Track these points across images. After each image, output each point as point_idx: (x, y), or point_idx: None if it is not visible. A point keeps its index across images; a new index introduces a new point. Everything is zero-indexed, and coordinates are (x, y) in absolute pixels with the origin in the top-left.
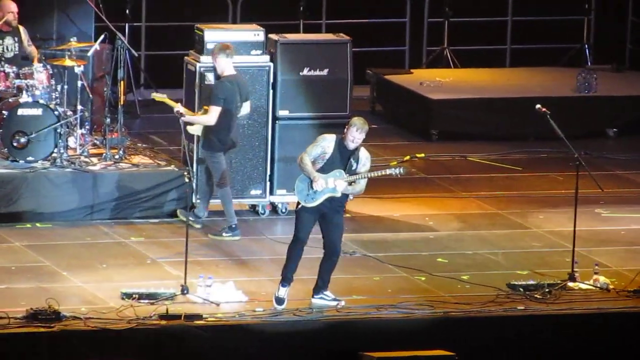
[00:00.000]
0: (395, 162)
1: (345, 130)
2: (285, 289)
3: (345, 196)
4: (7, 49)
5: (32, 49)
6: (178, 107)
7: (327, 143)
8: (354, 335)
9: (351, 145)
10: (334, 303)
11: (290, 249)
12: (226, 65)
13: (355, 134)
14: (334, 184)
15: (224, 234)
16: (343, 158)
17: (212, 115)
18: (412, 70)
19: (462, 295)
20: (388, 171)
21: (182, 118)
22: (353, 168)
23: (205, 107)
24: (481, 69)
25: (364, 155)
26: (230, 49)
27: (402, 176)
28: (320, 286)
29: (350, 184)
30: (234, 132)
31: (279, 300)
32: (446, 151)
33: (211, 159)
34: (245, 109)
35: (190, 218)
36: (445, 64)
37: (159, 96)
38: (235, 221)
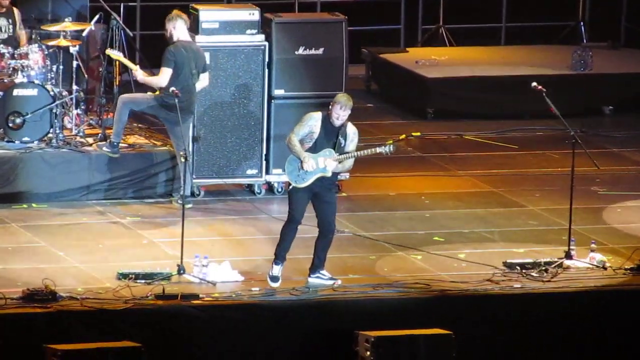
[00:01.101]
0: (391, 141)
1: (330, 107)
2: (279, 267)
3: (336, 174)
4: (1, 30)
5: (22, 33)
6: (137, 68)
7: (313, 122)
8: (350, 314)
9: (337, 123)
10: (331, 282)
11: (284, 228)
12: (181, 32)
13: (340, 111)
14: (324, 163)
15: (104, 148)
16: (330, 135)
17: (163, 76)
18: (407, 49)
19: (458, 274)
20: (378, 149)
21: (137, 78)
22: (342, 145)
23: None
24: (477, 47)
25: (352, 130)
26: (187, 18)
27: (392, 154)
28: (316, 265)
29: (340, 162)
30: (188, 98)
31: (274, 278)
32: (442, 130)
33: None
34: (204, 81)
35: (105, 148)
36: (441, 43)
37: (114, 54)
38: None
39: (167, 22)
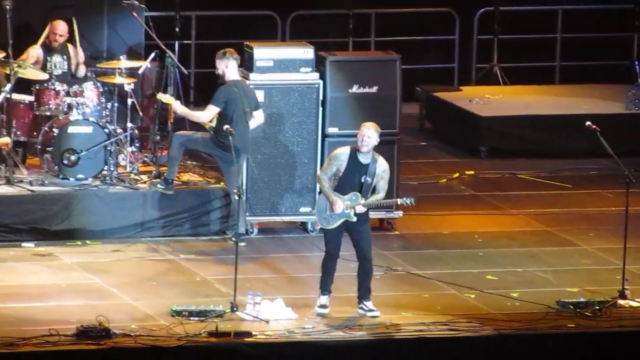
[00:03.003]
0: (444, 180)
1: (358, 135)
2: (326, 297)
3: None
4: (56, 67)
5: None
6: (175, 101)
7: (340, 160)
8: (403, 352)
9: (364, 149)
10: (370, 314)
11: (323, 263)
12: (233, 71)
13: (366, 131)
14: (350, 209)
15: (158, 186)
16: (356, 173)
17: (207, 113)
18: (461, 88)
19: (512, 313)
20: (399, 201)
21: (176, 111)
22: (369, 183)
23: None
24: (530, 86)
25: (381, 168)
26: (238, 56)
27: (412, 206)
28: (360, 296)
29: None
30: (242, 137)
31: (322, 307)
32: (495, 168)
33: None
34: (259, 118)
35: (159, 186)
36: (495, 81)
37: (166, 98)
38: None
39: (219, 60)
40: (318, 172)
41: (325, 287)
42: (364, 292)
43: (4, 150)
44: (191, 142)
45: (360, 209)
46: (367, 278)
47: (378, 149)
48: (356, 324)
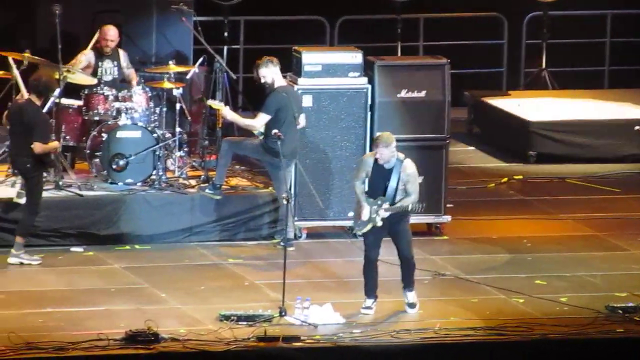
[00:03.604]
0: (493, 184)
1: (374, 148)
2: (371, 300)
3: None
4: (106, 72)
5: (130, 72)
6: (224, 107)
7: (366, 165)
8: (451, 357)
9: (381, 161)
10: (407, 308)
11: (364, 268)
12: (279, 77)
13: (383, 150)
14: (375, 214)
15: (207, 190)
16: (380, 178)
17: (258, 121)
18: (509, 92)
19: (560, 318)
20: (410, 206)
21: (226, 117)
22: (393, 187)
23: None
24: (579, 90)
25: (406, 172)
26: (277, 60)
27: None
28: (403, 287)
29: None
30: (292, 143)
31: (366, 308)
32: (544, 173)
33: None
34: (302, 122)
35: (208, 190)
36: (543, 86)
37: (216, 104)
38: (222, 182)
39: (265, 69)
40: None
41: (368, 291)
42: (406, 282)
43: (52, 155)
44: (240, 147)
45: (383, 214)
46: (408, 275)
47: (427, 153)
48: (404, 328)
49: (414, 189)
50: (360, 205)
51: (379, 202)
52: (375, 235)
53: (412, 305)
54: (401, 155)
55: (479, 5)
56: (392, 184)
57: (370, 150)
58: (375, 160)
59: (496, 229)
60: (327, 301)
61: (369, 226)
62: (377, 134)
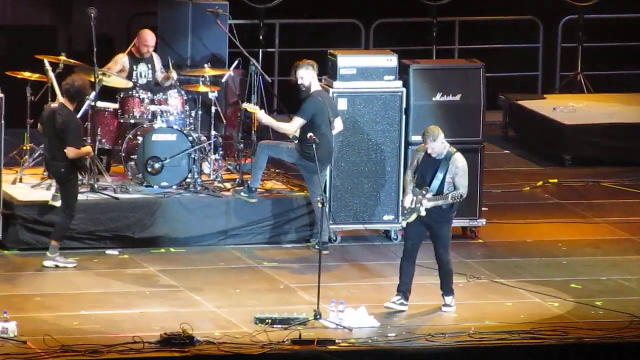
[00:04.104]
0: (528, 188)
1: (423, 142)
2: (398, 296)
3: (447, 208)
4: (141, 75)
5: (164, 76)
6: (259, 111)
7: (418, 154)
8: None
9: (433, 154)
10: (444, 308)
11: (400, 262)
12: (316, 81)
13: (431, 144)
14: (419, 203)
15: (242, 194)
16: (429, 168)
17: (293, 125)
18: (545, 96)
19: (595, 322)
20: (449, 201)
21: (262, 120)
22: (439, 179)
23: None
24: (614, 94)
25: (454, 165)
26: (316, 65)
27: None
28: (442, 291)
29: (433, 201)
30: (327, 147)
31: (393, 302)
32: (579, 176)
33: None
34: (339, 125)
35: (243, 194)
36: (579, 89)
37: (251, 107)
38: (257, 185)
39: (305, 71)
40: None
41: (399, 286)
42: (444, 288)
43: (87, 159)
44: (276, 151)
45: (426, 204)
46: (445, 278)
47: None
48: (439, 332)
49: (462, 184)
50: (405, 193)
51: (424, 192)
52: (416, 228)
53: (447, 306)
54: (453, 149)
55: (514, 9)
56: (439, 174)
57: (406, 151)
58: (427, 151)
59: (531, 233)
60: (362, 304)
61: (414, 216)
62: (425, 128)
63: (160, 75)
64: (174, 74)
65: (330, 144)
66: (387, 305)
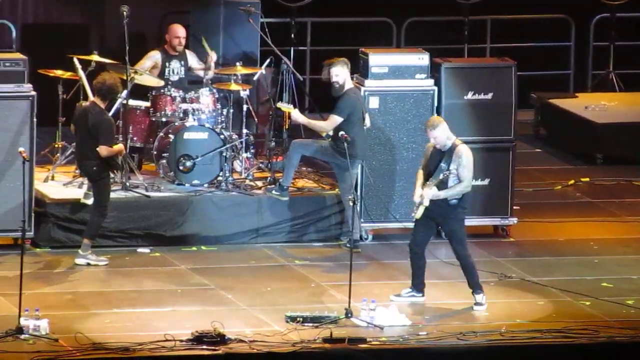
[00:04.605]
0: (559, 187)
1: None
2: (407, 290)
3: (455, 203)
4: (173, 72)
5: (203, 67)
6: (294, 110)
7: (427, 151)
8: (518, 359)
9: (437, 146)
10: (475, 307)
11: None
12: (348, 78)
13: (431, 133)
14: (423, 195)
15: (273, 192)
16: (434, 160)
17: (330, 123)
18: (577, 94)
19: (627, 320)
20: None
21: (298, 120)
22: (443, 170)
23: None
24: None
25: (457, 154)
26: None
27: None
28: (472, 293)
29: (439, 189)
30: (362, 145)
31: (397, 295)
32: (611, 175)
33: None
34: (367, 122)
35: (275, 192)
36: (611, 88)
37: (285, 107)
38: (289, 184)
39: (340, 68)
40: None
41: (412, 281)
42: (472, 286)
43: (119, 157)
44: (308, 149)
45: (427, 193)
46: (468, 274)
47: (493, 155)
48: (470, 330)
49: (465, 176)
50: (415, 189)
51: (428, 183)
52: (424, 222)
53: (478, 304)
54: (458, 141)
55: (546, 7)
56: (442, 164)
57: None
58: (435, 146)
59: (563, 231)
60: (393, 303)
61: (421, 209)
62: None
63: (198, 68)
64: (213, 55)
65: (363, 141)
66: (392, 299)
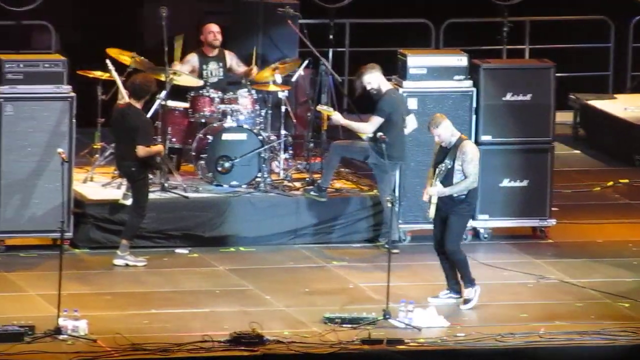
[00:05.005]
0: (598, 188)
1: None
2: (445, 292)
3: (461, 199)
4: (211, 74)
5: (244, 71)
6: (334, 112)
7: (435, 148)
8: None
9: (442, 144)
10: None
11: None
12: (382, 80)
13: (433, 130)
14: (430, 193)
15: (312, 193)
16: (440, 157)
17: (372, 125)
18: (616, 96)
19: None
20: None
21: (339, 122)
22: (448, 167)
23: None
24: None
25: (462, 151)
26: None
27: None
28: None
29: (444, 186)
30: (401, 145)
31: (434, 297)
32: None
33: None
34: (413, 123)
35: (313, 193)
36: None
37: (326, 109)
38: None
39: (371, 76)
40: None
41: (446, 282)
42: (449, 283)
43: (158, 158)
44: (348, 150)
45: (432, 191)
46: (451, 269)
47: (532, 157)
48: (509, 332)
49: (470, 172)
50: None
51: (433, 181)
52: (438, 220)
53: (465, 301)
54: (463, 137)
55: (585, 9)
56: (446, 161)
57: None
58: (441, 145)
59: (601, 233)
60: (431, 304)
61: (433, 207)
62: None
63: (237, 70)
64: (255, 69)
65: (403, 142)
66: (429, 300)
